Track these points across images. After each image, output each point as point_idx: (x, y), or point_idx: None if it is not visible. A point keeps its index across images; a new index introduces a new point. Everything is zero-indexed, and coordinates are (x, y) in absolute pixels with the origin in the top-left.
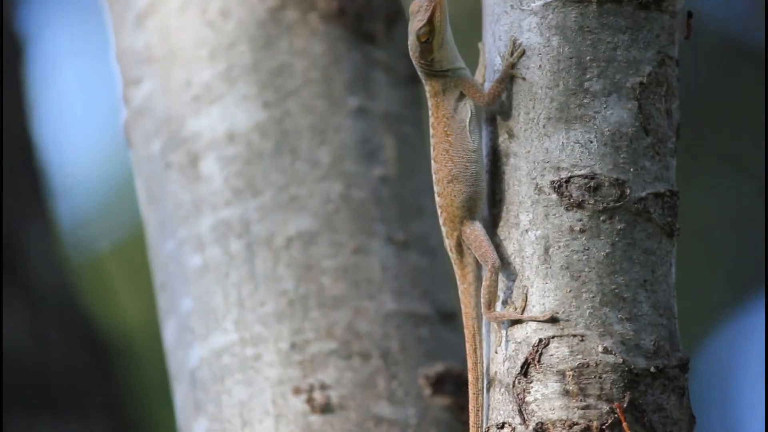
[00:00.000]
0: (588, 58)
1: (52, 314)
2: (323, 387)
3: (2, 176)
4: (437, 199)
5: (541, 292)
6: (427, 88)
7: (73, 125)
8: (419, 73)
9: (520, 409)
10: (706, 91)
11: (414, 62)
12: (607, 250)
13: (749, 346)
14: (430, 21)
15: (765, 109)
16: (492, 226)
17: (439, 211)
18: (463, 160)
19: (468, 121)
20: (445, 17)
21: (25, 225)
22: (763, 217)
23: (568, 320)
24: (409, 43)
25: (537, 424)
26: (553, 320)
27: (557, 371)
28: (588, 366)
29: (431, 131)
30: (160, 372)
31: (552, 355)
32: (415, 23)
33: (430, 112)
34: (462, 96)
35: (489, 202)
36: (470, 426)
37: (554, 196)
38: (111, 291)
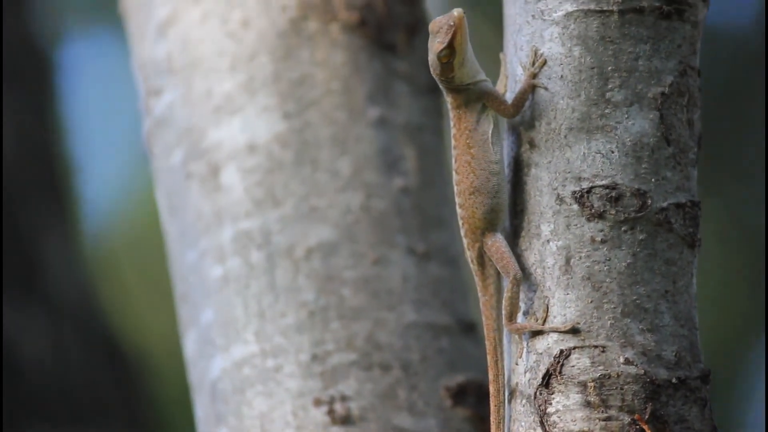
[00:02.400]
0: (610, 68)
1: (73, 325)
2: (344, 398)
3: (23, 187)
4: (459, 210)
5: (562, 302)
6: (448, 100)
7: (94, 136)
8: (441, 87)
9: (542, 420)
10: (724, 101)
11: (435, 78)
12: (628, 261)
13: None
14: (451, 44)
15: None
16: (513, 236)
17: (460, 222)
18: (485, 172)
19: (490, 132)
20: (466, 38)
21: (45, 236)
22: None
23: (589, 331)
24: (429, 59)
25: None
26: (574, 331)
27: (579, 382)
28: (609, 377)
29: (453, 143)
30: (180, 383)
31: (573, 366)
32: (436, 44)
33: (451, 124)
34: (484, 108)
35: (510, 212)
36: None
37: (575, 206)
38: (131, 302)
